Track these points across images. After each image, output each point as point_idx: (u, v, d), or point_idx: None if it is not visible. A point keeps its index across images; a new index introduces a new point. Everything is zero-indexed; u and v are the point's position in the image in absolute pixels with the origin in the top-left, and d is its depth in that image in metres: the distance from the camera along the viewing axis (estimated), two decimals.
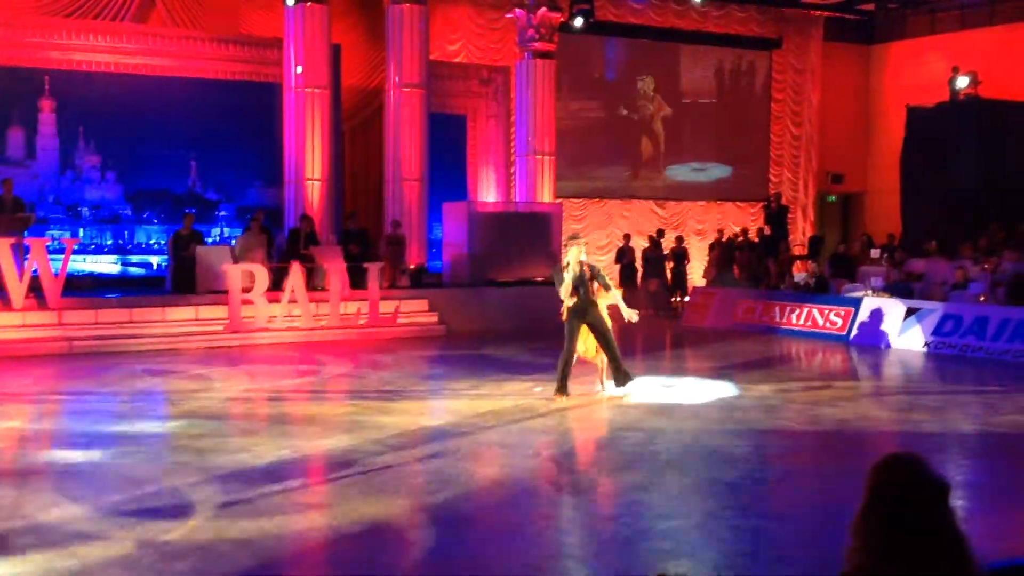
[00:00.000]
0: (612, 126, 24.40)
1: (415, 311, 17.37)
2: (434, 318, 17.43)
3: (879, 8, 25.82)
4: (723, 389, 11.70)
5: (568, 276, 10.67)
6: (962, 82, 22.44)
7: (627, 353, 12.06)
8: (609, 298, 11.06)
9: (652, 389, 11.50)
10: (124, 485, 7.19)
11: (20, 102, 18.14)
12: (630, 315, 11.00)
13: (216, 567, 5.54)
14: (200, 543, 5.90)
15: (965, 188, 21.47)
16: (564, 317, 10.85)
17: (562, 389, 10.88)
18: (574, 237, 11.55)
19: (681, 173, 25.23)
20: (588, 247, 22.08)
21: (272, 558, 5.78)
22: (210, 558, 5.66)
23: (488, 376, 12.45)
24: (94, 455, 8.21)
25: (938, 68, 23.49)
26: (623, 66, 24.73)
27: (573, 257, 10.74)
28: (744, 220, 25.17)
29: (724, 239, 22.21)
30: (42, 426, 9.81)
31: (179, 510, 6.59)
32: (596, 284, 10.92)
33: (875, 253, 19.70)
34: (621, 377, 11.11)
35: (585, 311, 10.83)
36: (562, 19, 21.14)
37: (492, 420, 9.80)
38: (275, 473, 7.58)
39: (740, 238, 22.05)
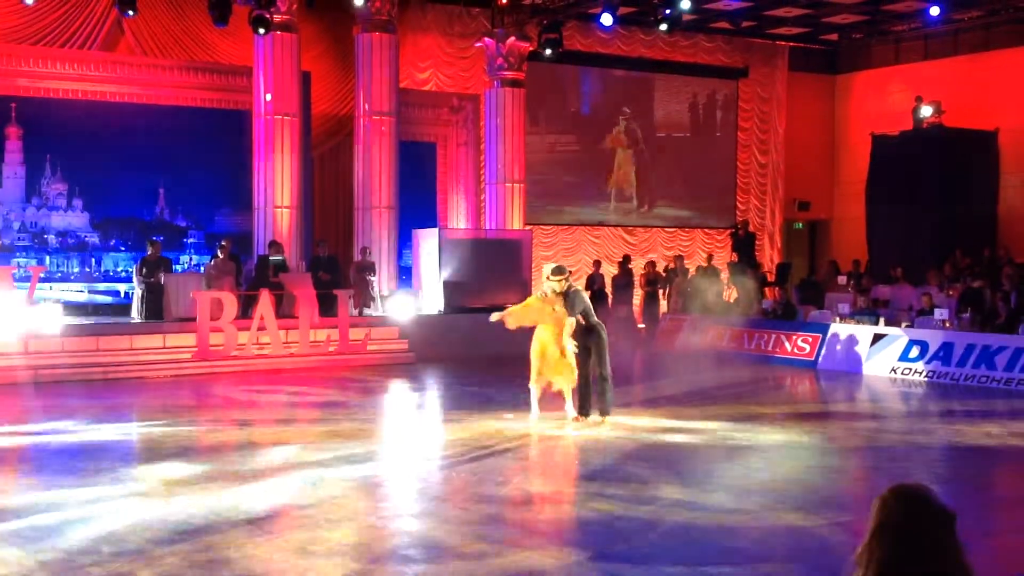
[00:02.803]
0: (587, 159, 24.58)
1: (385, 338, 17.34)
2: (404, 345, 17.40)
3: (843, 38, 26.18)
4: (691, 414, 11.74)
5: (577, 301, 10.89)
6: (926, 111, 22.76)
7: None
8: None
9: (618, 414, 11.51)
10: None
11: None
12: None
13: None
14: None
15: (929, 215, 21.77)
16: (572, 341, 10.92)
17: (585, 410, 11.06)
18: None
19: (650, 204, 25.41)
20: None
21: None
22: None
23: (459, 403, 12.43)
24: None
25: (902, 97, 23.83)
26: (598, 100, 24.93)
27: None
28: (712, 247, 25.34)
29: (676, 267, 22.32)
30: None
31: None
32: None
33: (842, 280, 19.88)
34: (585, 408, 11.19)
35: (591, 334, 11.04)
36: (531, 48, 21.28)
37: (462, 447, 9.78)
38: (241, 501, 7.53)
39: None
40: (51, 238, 18.65)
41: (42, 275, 16.49)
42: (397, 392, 14.23)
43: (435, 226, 21.03)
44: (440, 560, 6.22)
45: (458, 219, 22.17)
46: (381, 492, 8.16)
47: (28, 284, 15.20)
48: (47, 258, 18.43)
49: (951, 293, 17.57)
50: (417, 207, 21.06)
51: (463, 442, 10.01)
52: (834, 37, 26.21)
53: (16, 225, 18.39)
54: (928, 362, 15.40)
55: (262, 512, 7.22)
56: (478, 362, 16.42)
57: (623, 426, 10.96)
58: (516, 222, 21.54)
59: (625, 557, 6.23)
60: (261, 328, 15.84)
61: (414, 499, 7.94)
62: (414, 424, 11.85)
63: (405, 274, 20.26)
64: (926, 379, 15.19)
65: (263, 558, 6.16)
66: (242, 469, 8.62)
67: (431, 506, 7.63)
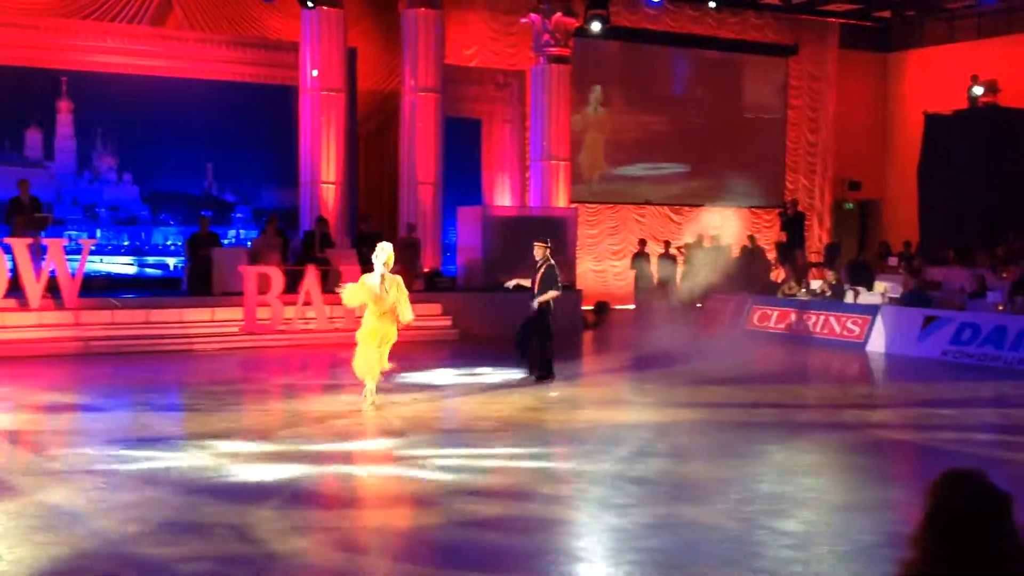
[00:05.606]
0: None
1: (429, 315, 17.32)
2: (448, 322, 17.42)
3: (896, 16, 25.74)
4: (724, 393, 11.68)
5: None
6: (980, 90, 22.36)
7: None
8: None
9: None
10: None
11: (38, 103, 18.23)
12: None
13: None
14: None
15: (983, 196, 21.42)
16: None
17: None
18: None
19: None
20: (602, 252, 22.00)
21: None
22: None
23: (502, 380, 12.43)
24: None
25: (956, 76, 23.40)
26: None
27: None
28: (759, 227, 25.12)
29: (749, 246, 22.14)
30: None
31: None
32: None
33: (892, 261, 19.63)
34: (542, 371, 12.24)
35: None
36: (577, 24, 21.14)
37: (502, 423, 9.79)
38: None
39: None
40: (101, 211, 18.88)
41: (92, 248, 16.69)
42: (430, 370, 14.24)
43: (479, 203, 21.02)
44: None
45: (503, 196, 22.13)
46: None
47: (79, 257, 15.39)
48: (97, 231, 18.65)
49: (1005, 276, 17.27)
50: (461, 184, 21.05)
51: (505, 419, 10.01)
52: (886, 14, 25.80)
53: (68, 199, 18.63)
54: (980, 346, 15.14)
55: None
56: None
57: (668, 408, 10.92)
58: (561, 200, 21.46)
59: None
60: (307, 303, 15.92)
61: None
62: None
63: (449, 251, 20.28)
64: (978, 363, 14.94)
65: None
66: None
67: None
